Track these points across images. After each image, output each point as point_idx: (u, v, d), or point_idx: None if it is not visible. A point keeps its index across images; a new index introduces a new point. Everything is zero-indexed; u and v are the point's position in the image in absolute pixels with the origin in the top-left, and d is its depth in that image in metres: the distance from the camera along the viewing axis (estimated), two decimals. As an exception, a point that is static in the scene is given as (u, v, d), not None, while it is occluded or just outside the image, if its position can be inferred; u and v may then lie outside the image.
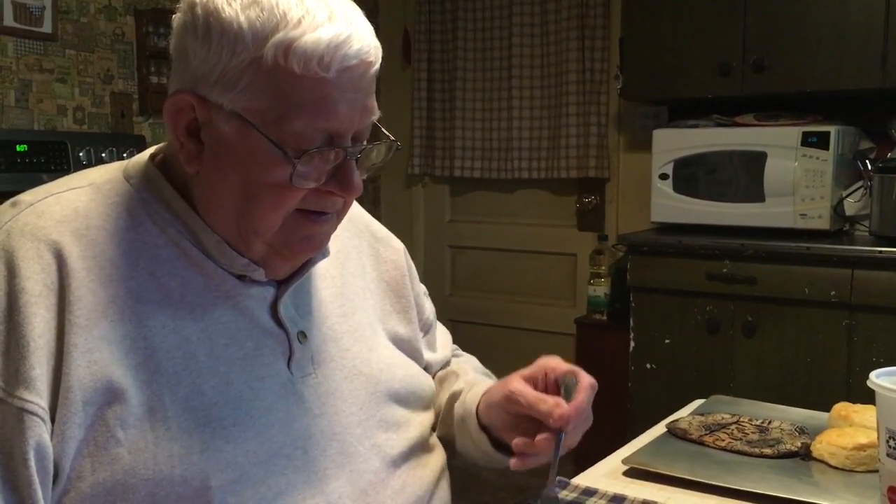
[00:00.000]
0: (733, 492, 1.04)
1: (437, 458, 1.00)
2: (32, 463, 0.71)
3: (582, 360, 3.40)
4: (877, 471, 0.90)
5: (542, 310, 3.80)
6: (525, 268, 3.88)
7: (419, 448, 0.97)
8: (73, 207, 0.81)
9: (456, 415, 1.03)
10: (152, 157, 0.88)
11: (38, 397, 0.72)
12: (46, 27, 2.85)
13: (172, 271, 0.82)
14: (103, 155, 2.88)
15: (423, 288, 1.13)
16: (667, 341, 2.85)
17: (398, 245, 1.09)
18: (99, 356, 0.75)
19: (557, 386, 0.93)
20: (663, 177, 2.94)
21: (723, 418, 1.27)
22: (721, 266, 2.72)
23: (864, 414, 1.17)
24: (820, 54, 2.72)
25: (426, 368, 1.06)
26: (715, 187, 2.85)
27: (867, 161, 2.75)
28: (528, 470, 0.91)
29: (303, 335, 0.88)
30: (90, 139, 2.89)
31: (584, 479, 1.08)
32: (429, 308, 1.13)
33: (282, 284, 0.88)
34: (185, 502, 0.76)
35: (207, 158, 0.80)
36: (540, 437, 0.88)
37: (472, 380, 1.08)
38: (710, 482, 1.05)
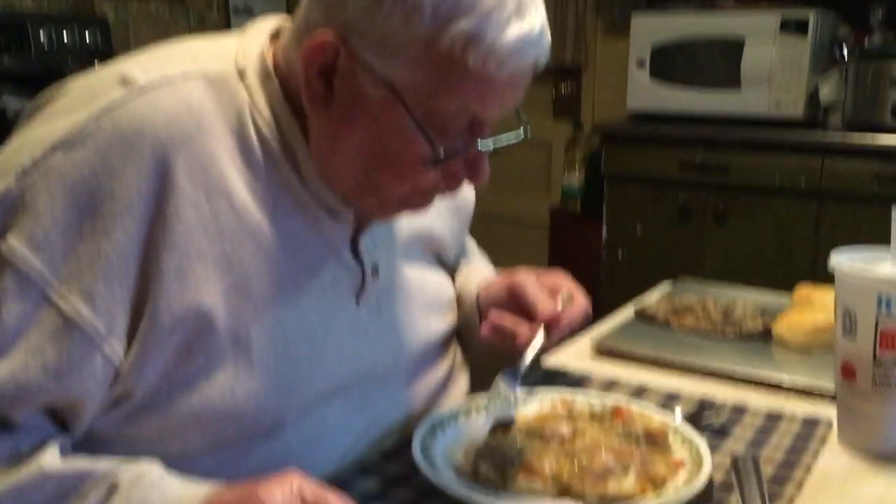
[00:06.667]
0: (695, 370, 1.08)
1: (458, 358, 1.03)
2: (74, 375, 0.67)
3: (555, 250, 3.44)
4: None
5: (516, 199, 3.81)
6: (498, 155, 3.84)
7: (453, 365, 1.00)
8: (186, 102, 0.72)
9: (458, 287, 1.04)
10: (270, 51, 0.79)
11: (92, 314, 0.67)
12: None
13: (268, 189, 0.76)
14: (64, 38, 2.78)
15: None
16: (639, 229, 2.88)
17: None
18: (192, 278, 0.70)
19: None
20: (640, 64, 2.90)
21: (689, 301, 1.30)
22: (695, 155, 2.73)
23: (825, 296, 1.20)
24: (803, -64, 2.66)
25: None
26: (692, 74, 2.83)
27: (844, 47, 2.72)
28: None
29: (375, 271, 0.86)
30: (51, 20, 2.79)
31: (552, 360, 1.12)
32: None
33: (363, 218, 0.84)
34: (254, 437, 0.76)
35: (336, 109, 0.73)
36: (524, 323, 0.90)
37: (478, 267, 1.09)
38: (673, 360, 1.09)
